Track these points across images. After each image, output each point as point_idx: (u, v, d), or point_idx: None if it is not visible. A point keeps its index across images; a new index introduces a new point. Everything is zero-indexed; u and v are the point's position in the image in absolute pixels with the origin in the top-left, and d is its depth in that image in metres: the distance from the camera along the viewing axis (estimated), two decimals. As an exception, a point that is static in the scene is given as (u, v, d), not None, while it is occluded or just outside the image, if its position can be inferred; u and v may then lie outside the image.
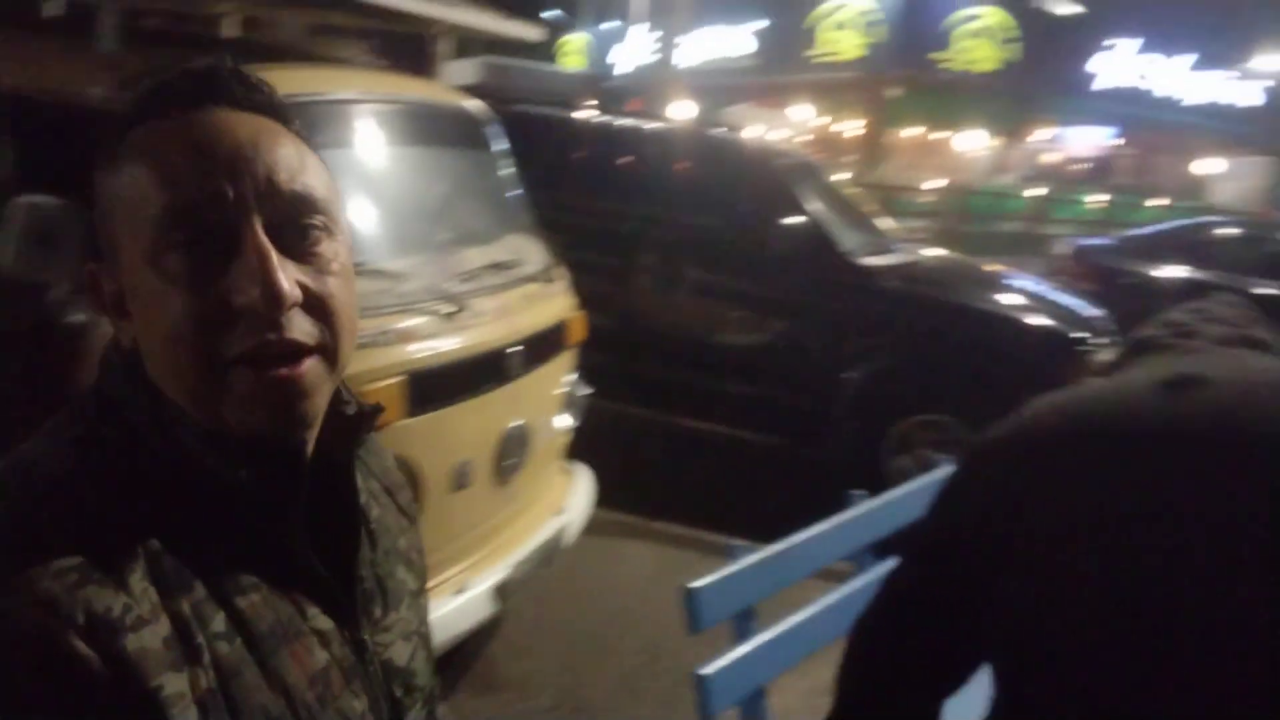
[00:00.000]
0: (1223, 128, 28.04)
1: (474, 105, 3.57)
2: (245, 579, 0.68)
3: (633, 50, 29.67)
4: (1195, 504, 0.83)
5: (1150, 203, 23.26)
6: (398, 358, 2.60)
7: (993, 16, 23.19)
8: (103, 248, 0.70)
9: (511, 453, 3.02)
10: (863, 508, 2.58)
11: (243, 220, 0.65)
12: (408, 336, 2.67)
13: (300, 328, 0.67)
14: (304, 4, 6.37)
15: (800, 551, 2.29)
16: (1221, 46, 27.98)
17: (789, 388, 4.82)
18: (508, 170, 3.63)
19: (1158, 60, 26.14)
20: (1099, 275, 9.15)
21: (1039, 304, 4.89)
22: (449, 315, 2.82)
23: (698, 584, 1.98)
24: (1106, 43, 25.47)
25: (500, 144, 3.62)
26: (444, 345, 2.74)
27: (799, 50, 24.11)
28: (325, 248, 0.70)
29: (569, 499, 3.44)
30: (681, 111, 15.69)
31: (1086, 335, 4.57)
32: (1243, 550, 0.80)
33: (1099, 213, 21.65)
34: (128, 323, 0.69)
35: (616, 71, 29.41)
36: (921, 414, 4.59)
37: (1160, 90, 26.89)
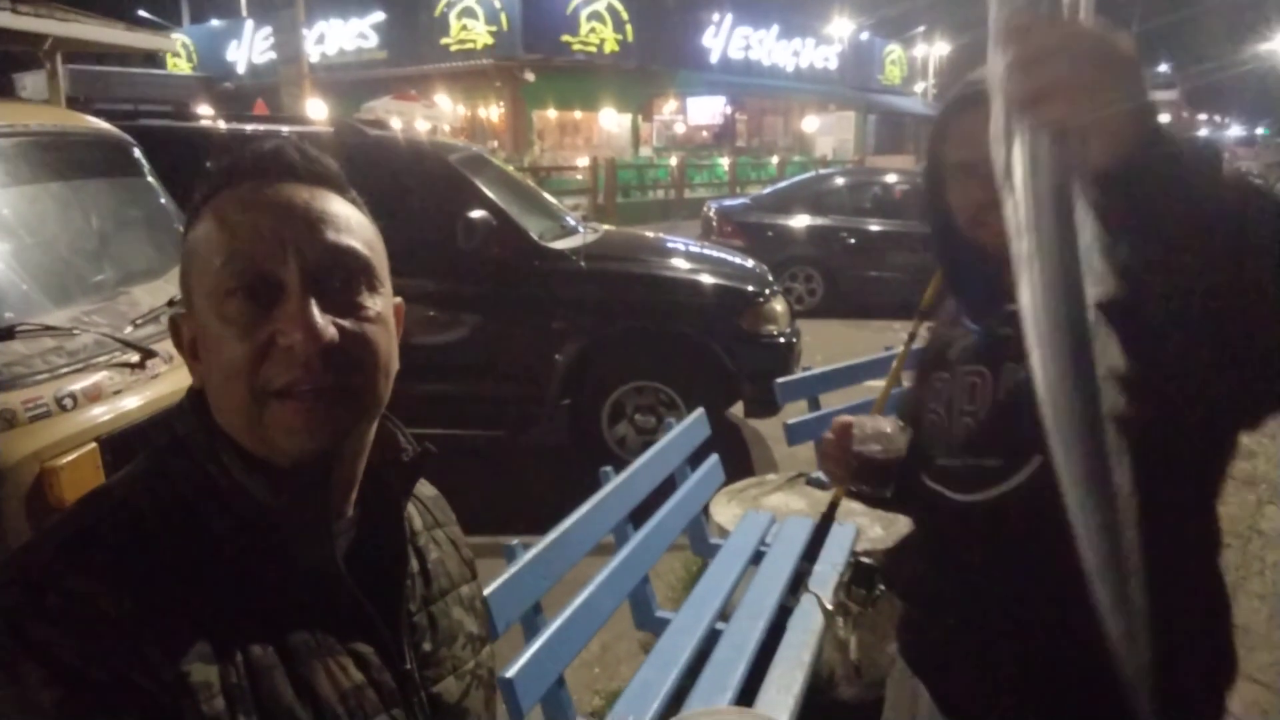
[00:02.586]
0: (813, 89, 31.91)
1: (114, 130, 3.17)
2: (284, 596, 0.75)
3: (249, 49, 27.65)
4: None
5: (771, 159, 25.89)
6: (83, 423, 2.28)
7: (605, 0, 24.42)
8: (183, 298, 0.79)
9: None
10: (614, 482, 2.67)
11: (288, 269, 0.74)
12: (91, 397, 2.34)
13: (331, 366, 0.74)
14: None
15: (570, 537, 2.34)
16: (800, 17, 31.76)
17: (501, 379, 4.83)
18: (166, 196, 3.27)
19: (748, 32, 29.04)
20: (743, 231, 10.17)
21: (711, 265, 5.31)
22: (135, 365, 2.50)
23: (487, 590, 1.95)
24: (707, 18, 27.82)
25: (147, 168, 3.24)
26: (138, 399, 2.44)
27: (433, 39, 23.82)
28: (365, 299, 0.78)
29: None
30: (314, 109, 14.88)
31: (756, 287, 5.04)
32: None
33: (728, 174, 23.73)
34: (198, 364, 0.78)
35: (239, 71, 27.27)
36: (629, 382, 4.82)
37: (766, 59, 29.98)
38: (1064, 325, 0.73)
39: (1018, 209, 0.74)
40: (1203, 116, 79.48)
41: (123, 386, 2.44)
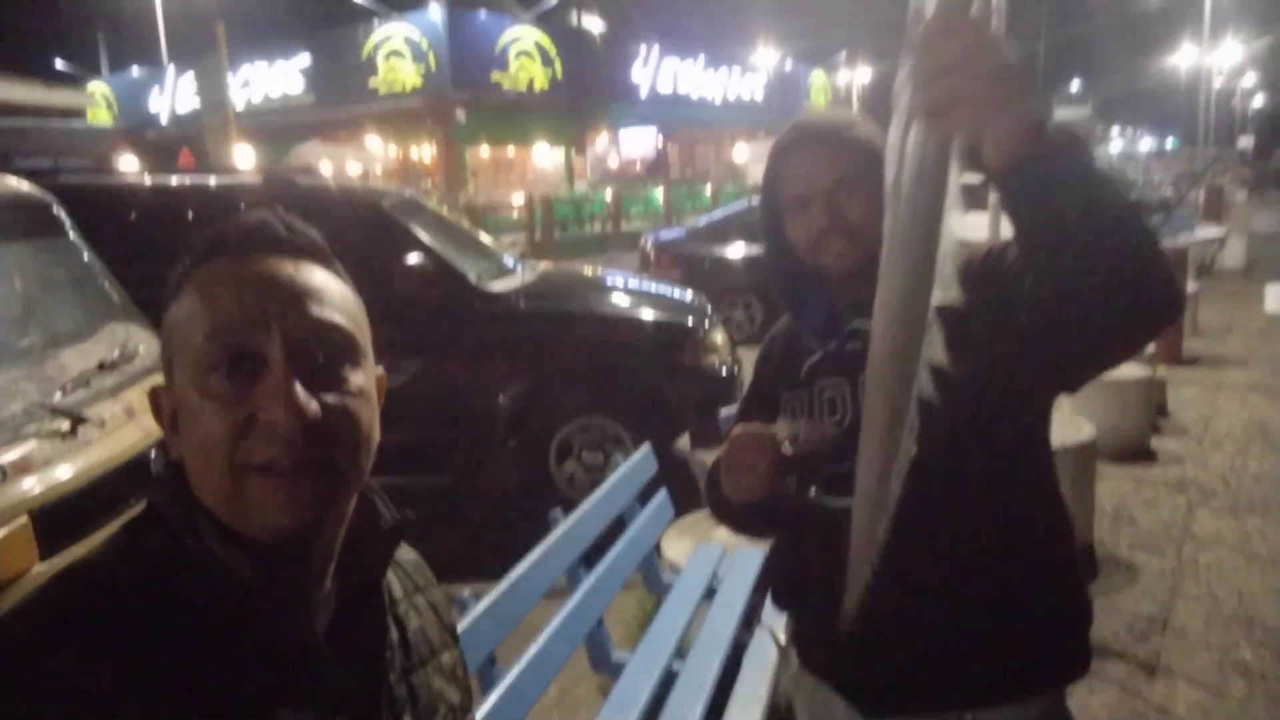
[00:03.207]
0: (742, 118, 32.50)
1: (32, 190, 3.10)
2: (264, 671, 0.73)
3: (172, 96, 27.21)
4: None
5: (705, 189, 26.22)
6: (14, 497, 2.21)
7: (533, 37, 24.62)
8: (164, 370, 0.78)
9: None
10: (565, 525, 2.67)
11: (271, 344, 0.73)
12: (21, 469, 2.27)
13: (314, 442, 0.73)
14: None
15: (523, 584, 2.33)
16: (726, 47, 32.41)
17: (445, 423, 4.79)
18: (91, 255, 3.20)
19: (675, 63, 29.56)
20: (680, 263, 10.26)
21: (649, 299, 5.36)
22: (66, 433, 2.44)
23: (441, 648, 1.93)
24: (635, 52, 28.23)
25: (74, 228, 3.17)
26: (70, 468, 2.37)
27: (361, 81, 23.72)
28: (348, 373, 0.78)
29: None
30: (241, 156, 14.66)
31: (695, 319, 5.09)
32: None
33: (663, 204, 23.97)
34: (177, 437, 0.77)
35: (163, 120, 26.80)
36: (575, 420, 4.82)
37: (695, 91, 30.50)
38: (906, 318, 0.86)
39: (898, 214, 0.85)
40: (1115, 129, 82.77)
41: (54, 456, 2.37)
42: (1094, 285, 0.97)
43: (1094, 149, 0.97)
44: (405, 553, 0.98)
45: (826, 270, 1.34)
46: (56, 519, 2.25)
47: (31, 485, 2.26)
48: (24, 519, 2.20)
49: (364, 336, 0.82)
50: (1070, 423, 4.20)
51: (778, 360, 1.52)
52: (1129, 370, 5.53)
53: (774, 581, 1.56)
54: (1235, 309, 10.41)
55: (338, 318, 0.78)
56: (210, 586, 0.73)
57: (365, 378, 0.80)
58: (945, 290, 0.85)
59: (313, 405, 0.73)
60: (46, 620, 0.69)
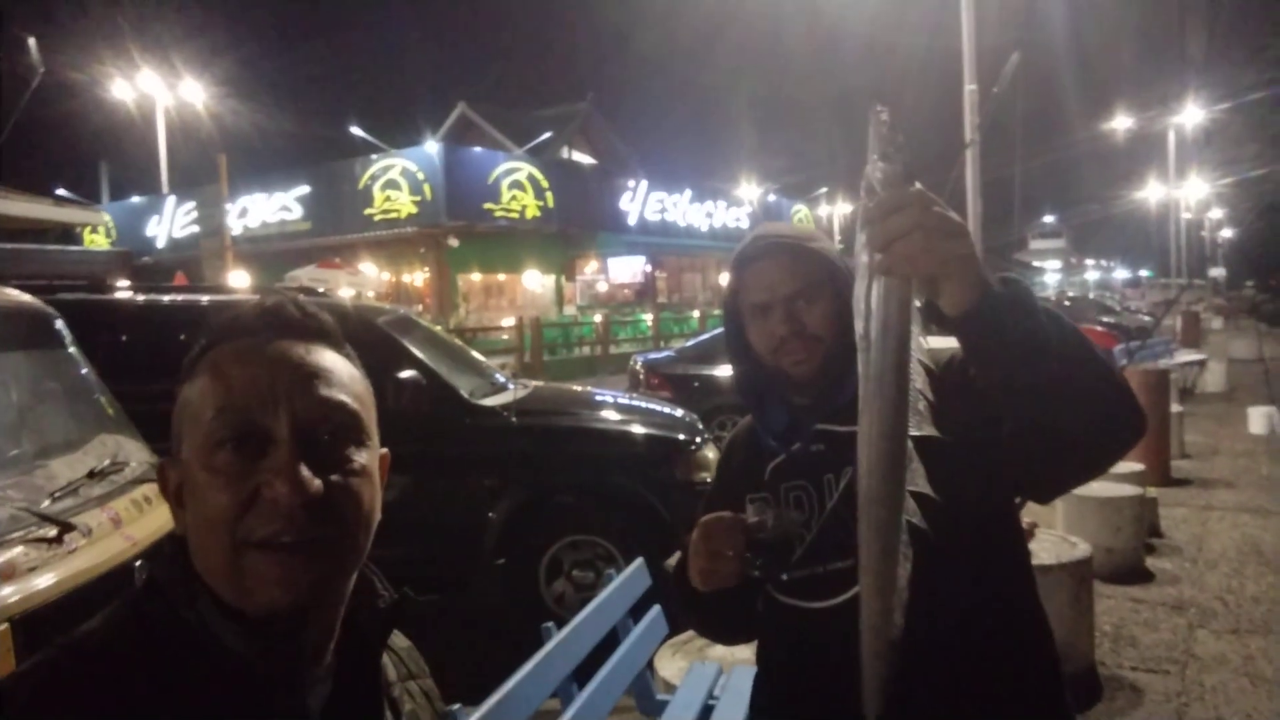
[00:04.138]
0: (728, 245, 33.33)
1: (35, 302, 3.14)
2: None
3: (170, 222, 27.81)
4: None
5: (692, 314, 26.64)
6: (-6, 603, 2.15)
7: (526, 169, 25.49)
8: (172, 446, 0.81)
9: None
10: (557, 638, 2.61)
11: (278, 422, 0.76)
12: (5, 574, 2.22)
13: (315, 519, 0.75)
14: None
15: (512, 701, 2.26)
16: (712, 181, 33.64)
17: (434, 540, 4.72)
18: (88, 368, 3.22)
19: (663, 196, 30.62)
20: (670, 382, 10.35)
21: (641, 415, 5.37)
22: (52, 540, 2.40)
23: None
24: (624, 184, 29.24)
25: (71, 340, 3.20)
26: (54, 576, 2.32)
27: (357, 210, 24.34)
28: (352, 452, 0.80)
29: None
30: (236, 280, 14.90)
31: (687, 435, 5.10)
32: None
33: (651, 328, 24.31)
34: (182, 511, 0.79)
35: (159, 245, 27.33)
36: (565, 537, 4.75)
37: (681, 220, 31.49)
38: (888, 452, 0.94)
39: (870, 361, 0.94)
40: (1090, 261, 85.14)
41: (38, 563, 2.32)
42: (1054, 416, 1.04)
43: (1053, 287, 1.05)
44: (399, 639, 0.98)
45: (786, 374, 1.39)
46: (37, 627, 2.18)
47: (11, 593, 2.21)
48: (4, 626, 2.13)
49: (369, 417, 0.84)
50: (1064, 541, 4.18)
51: (740, 462, 1.53)
52: (1120, 490, 5.53)
53: (756, 696, 1.54)
54: (1220, 431, 10.50)
55: (344, 398, 0.80)
56: (206, 659, 0.74)
57: (369, 457, 0.82)
58: (921, 425, 0.93)
59: (315, 483, 0.75)
60: (43, 685, 0.71)
